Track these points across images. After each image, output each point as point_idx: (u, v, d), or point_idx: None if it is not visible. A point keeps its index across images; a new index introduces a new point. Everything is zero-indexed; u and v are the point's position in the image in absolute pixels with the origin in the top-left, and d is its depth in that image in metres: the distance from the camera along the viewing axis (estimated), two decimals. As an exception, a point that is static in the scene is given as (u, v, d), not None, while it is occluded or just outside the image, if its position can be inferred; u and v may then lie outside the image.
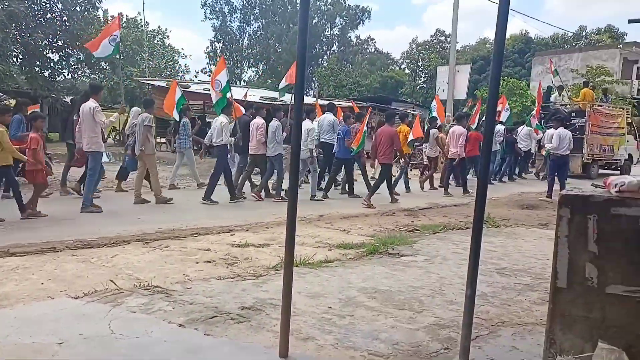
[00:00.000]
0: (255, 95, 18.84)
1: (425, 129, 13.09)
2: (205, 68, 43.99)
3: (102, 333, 3.17)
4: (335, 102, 13.76)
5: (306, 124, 10.02)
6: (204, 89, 17.85)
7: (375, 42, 57.49)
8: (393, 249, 5.90)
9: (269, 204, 9.45)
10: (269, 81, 46.86)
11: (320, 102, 14.92)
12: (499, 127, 14.44)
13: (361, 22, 51.00)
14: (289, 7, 47.04)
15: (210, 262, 5.34)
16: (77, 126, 8.57)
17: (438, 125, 13.19)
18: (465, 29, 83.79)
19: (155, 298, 3.87)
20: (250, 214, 8.24)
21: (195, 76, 41.47)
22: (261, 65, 49.30)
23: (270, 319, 3.51)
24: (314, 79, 43.21)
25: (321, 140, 10.91)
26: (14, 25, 12.30)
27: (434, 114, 14.02)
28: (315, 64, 46.89)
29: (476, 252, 2.73)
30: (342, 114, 11.91)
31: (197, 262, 5.32)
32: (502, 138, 14.76)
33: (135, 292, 4.04)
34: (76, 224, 7.10)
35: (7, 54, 10.53)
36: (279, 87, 12.67)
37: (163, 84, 21.29)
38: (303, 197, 9.19)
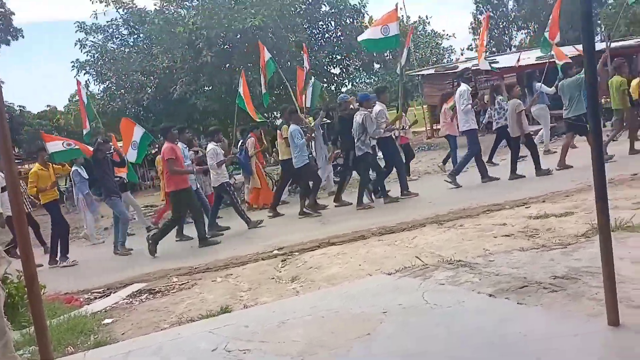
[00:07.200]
0: (529, 57, 17.30)
1: None
2: (471, 44, 42.57)
3: (417, 303, 3.42)
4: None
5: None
6: (472, 65, 17.40)
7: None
8: None
9: (561, 174, 8.61)
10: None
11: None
12: None
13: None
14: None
15: (508, 235, 5.20)
16: None
17: None
18: None
19: (460, 271, 3.97)
20: (547, 185, 7.62)
21: (462, 54, 40.56)
22: (532, 25, 45.02)
23: (588, 287, 3.18)
24: (599, 22, 37.12)
25: None
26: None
27: None
28: (597, 4, 40.17)
29: None
30: None
31: (495, 237, 5.25)
32: None
33: (440, 266, 4.23)
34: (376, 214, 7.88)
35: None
36: (541, 44, 11.49)
37: (432, 71, 21.68)
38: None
